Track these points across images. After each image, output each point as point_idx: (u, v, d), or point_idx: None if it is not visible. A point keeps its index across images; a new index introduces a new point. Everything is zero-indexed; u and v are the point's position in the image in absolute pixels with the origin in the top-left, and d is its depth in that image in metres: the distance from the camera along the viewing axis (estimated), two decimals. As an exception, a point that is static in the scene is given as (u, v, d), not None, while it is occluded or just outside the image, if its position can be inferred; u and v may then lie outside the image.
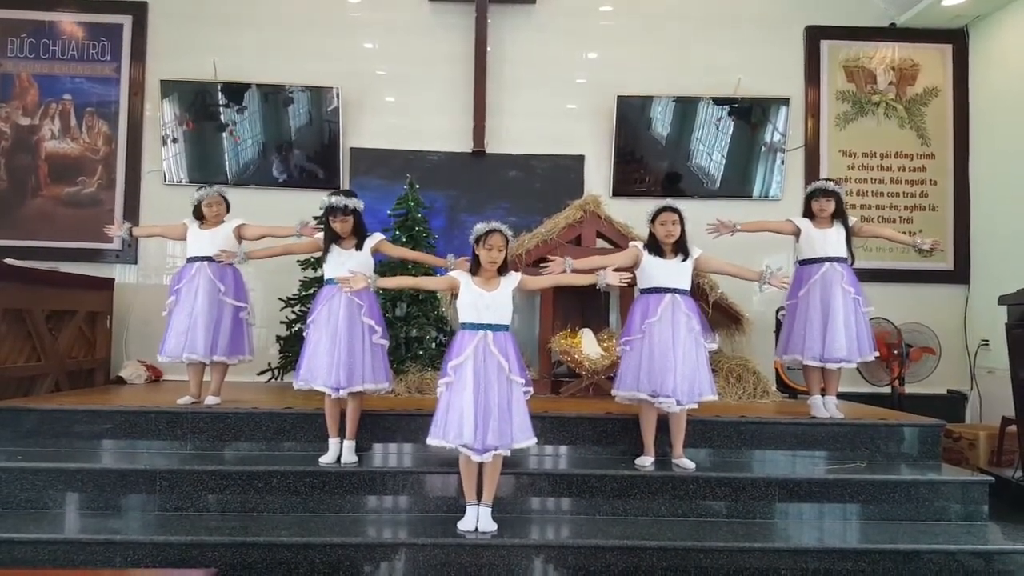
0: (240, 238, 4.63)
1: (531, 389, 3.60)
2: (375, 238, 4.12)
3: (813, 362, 4.42)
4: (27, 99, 6.30)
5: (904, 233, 5.13)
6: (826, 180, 4.65)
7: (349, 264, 3.95)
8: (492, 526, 3.54)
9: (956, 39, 6.51)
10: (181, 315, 4.46)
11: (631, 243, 4.23)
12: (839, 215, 4.54)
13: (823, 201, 4.51)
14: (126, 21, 6.35)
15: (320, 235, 4.12)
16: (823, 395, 4.53)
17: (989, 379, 5.92)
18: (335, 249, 4.03)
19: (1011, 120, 5.97)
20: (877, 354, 4.59)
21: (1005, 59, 6.08)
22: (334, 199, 3.98)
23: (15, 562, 3.37)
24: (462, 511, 3.60)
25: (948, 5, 6.08)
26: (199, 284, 4.47)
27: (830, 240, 4.49)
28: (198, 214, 4.63)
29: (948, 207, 6.49)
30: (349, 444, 4.01)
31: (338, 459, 3.98)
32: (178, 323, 4.46)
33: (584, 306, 5.47)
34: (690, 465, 3.99)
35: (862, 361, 4.47)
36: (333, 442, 4.02)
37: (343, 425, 4.03)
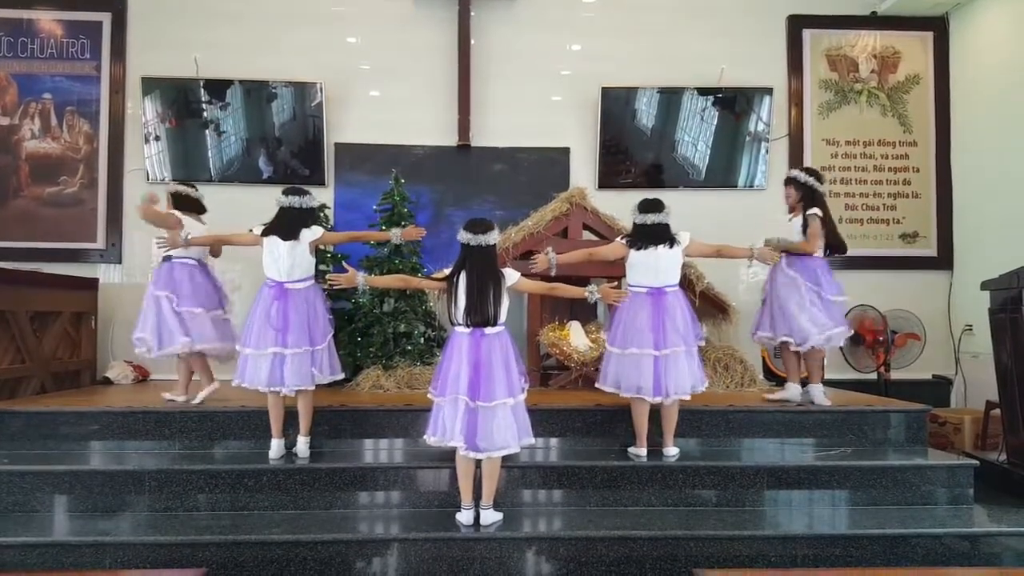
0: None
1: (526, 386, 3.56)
2: (315, 232, 3.99)
3: (787, 339, 4.42)
4: (6, 99, 6.22)
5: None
6: (802, 168, 4.67)
7: (287, 257, 3.91)
8: (496, 516, 3.56)
9: (937, 27, 6.55)
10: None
11: (618, 239, 4.21)
12: (808, 205, 4.49)
13: (785, 189, 4.55)
14: (105, 18, 6.27)
15: (259, 230, 4.00)
16: (809, 383, 4.55)
17: (973, 364, 5.98)
18: (270, 242, 3.92)
19: (991, 106, 6.02)
20: (845, 329, 4.45)
21: (985, 46, 6.12)
22: (291, 199, 3.96)
23: (3, 566, 3.35)
24: (453, 504, 3.61)
25: (928, -7, 6.12)
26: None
27: (794, 231, 4.51)
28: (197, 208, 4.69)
29: (931, 194, 6.54)
30: (304, 439, 4.00)
31: (287, 453, 3.98)
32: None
33: (572, 298, 5.46)
34: (673, 451, 4.01)
35: (827, 341, 4.39)
36: (276, 443, 3.99)
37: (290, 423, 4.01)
